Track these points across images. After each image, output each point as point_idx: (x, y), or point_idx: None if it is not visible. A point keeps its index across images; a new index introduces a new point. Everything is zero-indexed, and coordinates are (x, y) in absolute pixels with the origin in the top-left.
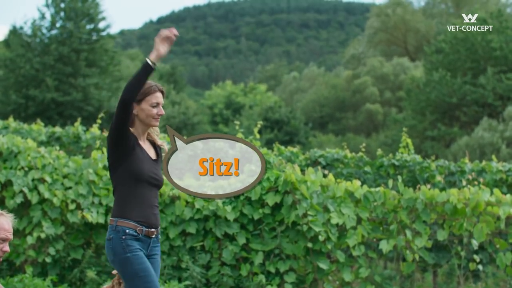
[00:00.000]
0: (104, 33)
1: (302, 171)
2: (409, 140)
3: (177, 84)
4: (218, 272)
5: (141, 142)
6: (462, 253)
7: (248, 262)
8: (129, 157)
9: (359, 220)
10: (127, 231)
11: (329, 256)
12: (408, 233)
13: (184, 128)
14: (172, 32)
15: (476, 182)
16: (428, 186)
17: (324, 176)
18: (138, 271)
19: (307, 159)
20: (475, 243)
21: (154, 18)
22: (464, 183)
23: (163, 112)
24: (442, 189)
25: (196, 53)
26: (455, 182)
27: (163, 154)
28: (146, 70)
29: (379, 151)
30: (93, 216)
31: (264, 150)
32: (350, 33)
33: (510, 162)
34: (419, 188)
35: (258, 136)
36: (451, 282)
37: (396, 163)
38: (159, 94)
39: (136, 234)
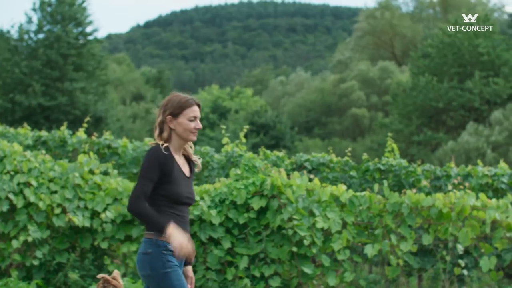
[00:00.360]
0: (91, 37)
1: (288, 175)
2: (394, 145)
3: (164, 88)
4: (203, 276)
5: (176, 157)
6: (447, 258)
7: (233, 266)
8: (167, 183)
9: (344, 225)
10: (168, 246)
11: (314, 260)
12: (393, 237)
13: None
14: (189, 255)
15: (461, 187)
16: (414, 190)
17: (310, 180)
18: (175, 287)
19: (293, 163)
20: (460, 248)
21: (141, 22)
22: (449, 187)
23: (200, 126)
24: (428, 194)
25: (183, 57)
26: (441, 186)
27: (195, 170)
28: (155, 229)
29: (365, 156)
30: (79, 220)
31: (250, 154)
32: (337, 37)
33: (496, 167)
34: (405, 193)
35: (244, 140)
36: (436, 286)
37: (382, 168)
38: (196, 108)
39: None
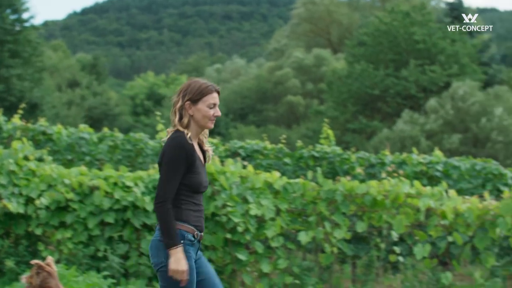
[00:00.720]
0: (27, 24)
1: (222, 162)
2: (330, 132)
3: (99, 75)
4: (136, 262)
5: (194, 145)
6: (382, 245)
7: None
8: (189, 172)
9: (278, 212)
10: (186, 235)
11: (247, 247)
12: (327, 224)
13: (105, 119)
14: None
15: (396, 174)
16: (348, 177)
17: (244, 167)
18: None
19: (227, 150)
20: (394, 235)
21: (78, 9)
22: (384, 175)
23: (219, 113)
24: (362, 181)
25: (119, 44)
26: (375, 174)
27: (207, 160)
28: (166, 239)
29: (299, 143)
30: (14, 206)
31: None
32: (273, 25)
33: (431, 155)
34: (339, 180)
35: None
36: (370, 273)
37: (316, 155)
38: (215, 95)
39: (193, 239)
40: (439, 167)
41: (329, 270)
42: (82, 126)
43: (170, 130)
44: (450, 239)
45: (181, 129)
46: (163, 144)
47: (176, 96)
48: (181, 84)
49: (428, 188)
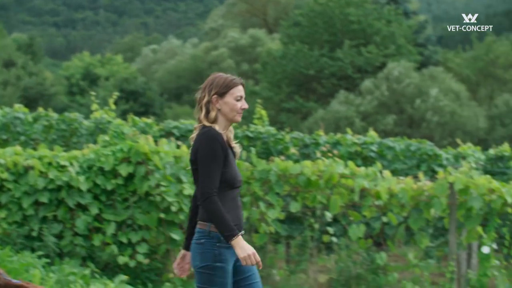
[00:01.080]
0: None
1: (156, 142)
2: (263, 112)
3: (35, 55)
4: (70, 242)
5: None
6: (316, 225)
7: (101, 232)
8: (223, 167)
9: None
10: (222, 238)
11: (181, 227)
12: (261, 204)
13: (41, 99)
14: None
15: (330, 155)
16: (282, 158)
17: (178, 147)
18: (218, 285)
19: (161, 130)
20: (328, 215)
21: None
22: (318, 155)
23: (246, 106)
24: (296, 161)
25: (55, 24)
26: (309, 154)
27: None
28: (223, 231)
29: None
30: None
31: (118, 121)
32: (209, 5)
33: (365, 135)
34: (273, 160)
35: (113, 107)
36: (304, 254)
37: (250, 135)
38: (241, 87)
39: None
40: (374, 148)
41: (263, 250)
42: (17, 106)
43: (197, 126)
44: (384, 219)
45: (208, 124)
46: (192, 141)
47: (201, 92)
48: (205, 80)
49: (362, 169)
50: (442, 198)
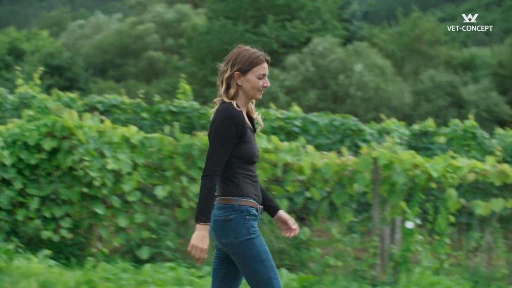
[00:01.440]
0: None
1: (80, 116)
2: (187, 87)
3: None
4: None
5: (243, 113)
6: None
7: (24, 207)
8: (241, 143)
9: (135, 166)
10: (251, 210)
11: (104, 201)
12: (184, 179)
13: None
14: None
15: None
16: (205, 132)
17: (101, 121)
18: (261, 254)
19: (85, 105)
20: None
21: None
22: None
23: (268, 84)
24: None
25: None
26: None
27: (257, 128)
28: (199, 213)
29: (157, 97)
30: None
31: (43, 96)
32: None
33: (289, 110)
34: (196, 134)
35: (38, 82)
36: None
37: (174, 109)
38: (265, 65)
39: (257, 213)
40: (298, 123)
41: (185, 225)
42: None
43: (217, 100)
44: (307, 194)
45: (227, 100)
46: (211, 117)
47: (224, 65)
48: (230, 52)
49: (286, 143)
50: (366, 173)
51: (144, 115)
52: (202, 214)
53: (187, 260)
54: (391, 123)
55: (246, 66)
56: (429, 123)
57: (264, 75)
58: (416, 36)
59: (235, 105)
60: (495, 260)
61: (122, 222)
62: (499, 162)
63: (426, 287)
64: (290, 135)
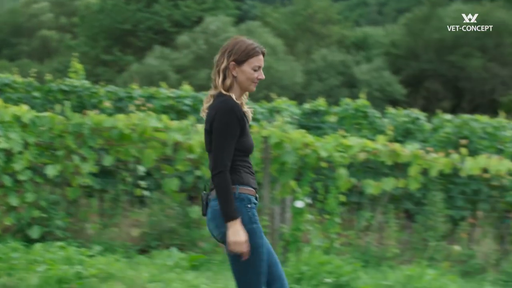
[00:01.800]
0: None
1: None
2: (79, 66)
3: None
4: None
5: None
6: (129, 179)
7: None
8: (241, 136)
9: (26, 145)
10: (251, 199)
11: None
12: (75, 158)
13: None
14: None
15: (144, 108)
16: (96, 111)
17: None
18: (259, 246)
19: None
20: (141, 169)
21: None
22: (132, 108)
23: (263, 76)
24: (110, 115)
25: None
26: (123, 108)
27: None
28: (224, 211)
29: (48, 76)
30: None
31: None
32: None
33: (180, 89)
34: (86, 113)
35: None
36: (117, 207)
37: (65, 88)
38: (261, 57)
39: (256, 201)
40: (188, 102)
41: (76, 204)
42: None
43: (213, 93)
44: (198, 173)
45: (223, 91)
46: (204, 112)
47: (220, 56)
48: (225, 43)
49: (176, 122)
50: (256, 152)
51: (36, 94)
52: (229, 212)
53: (78, 239)
54: (282, 102)
55: (242, 57)
56: (320, 102)
57: (259, 67)
58: (309, 15)
59: (234, 97)
60: (386, 239)
61: (13, 201)
62: (390, 141)
63: (316, 267)
64: (180, 114)
